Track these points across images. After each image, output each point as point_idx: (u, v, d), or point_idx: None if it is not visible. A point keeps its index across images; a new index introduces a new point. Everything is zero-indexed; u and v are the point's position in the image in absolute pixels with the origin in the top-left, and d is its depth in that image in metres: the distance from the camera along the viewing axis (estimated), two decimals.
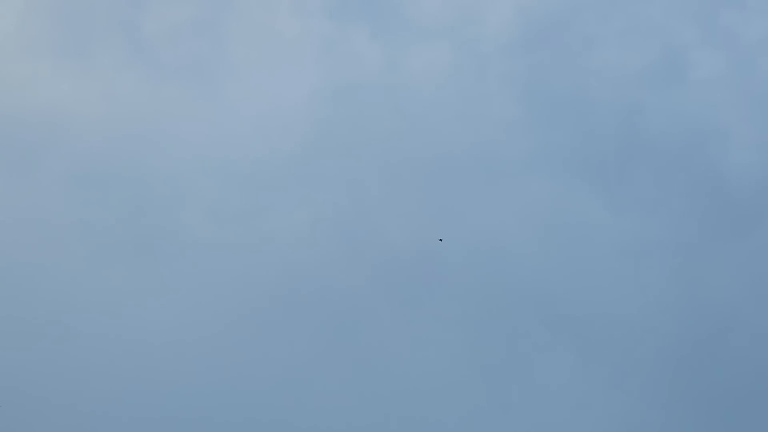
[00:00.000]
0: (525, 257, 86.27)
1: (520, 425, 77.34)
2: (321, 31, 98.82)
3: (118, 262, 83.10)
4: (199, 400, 76.21)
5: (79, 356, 76.97)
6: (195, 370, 77.86)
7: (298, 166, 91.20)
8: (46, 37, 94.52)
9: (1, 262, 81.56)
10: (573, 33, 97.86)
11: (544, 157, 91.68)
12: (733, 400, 78.34)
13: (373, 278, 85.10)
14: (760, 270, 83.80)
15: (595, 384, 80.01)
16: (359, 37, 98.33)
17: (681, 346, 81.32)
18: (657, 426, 77.84)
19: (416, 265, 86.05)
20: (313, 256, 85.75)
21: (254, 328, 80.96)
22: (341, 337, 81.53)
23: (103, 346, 77.82)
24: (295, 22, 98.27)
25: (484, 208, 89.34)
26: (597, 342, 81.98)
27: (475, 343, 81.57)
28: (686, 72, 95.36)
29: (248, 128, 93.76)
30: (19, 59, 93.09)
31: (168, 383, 76.80)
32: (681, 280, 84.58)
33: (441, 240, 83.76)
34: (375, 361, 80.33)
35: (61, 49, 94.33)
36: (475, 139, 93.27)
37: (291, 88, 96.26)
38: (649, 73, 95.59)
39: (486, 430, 77.07)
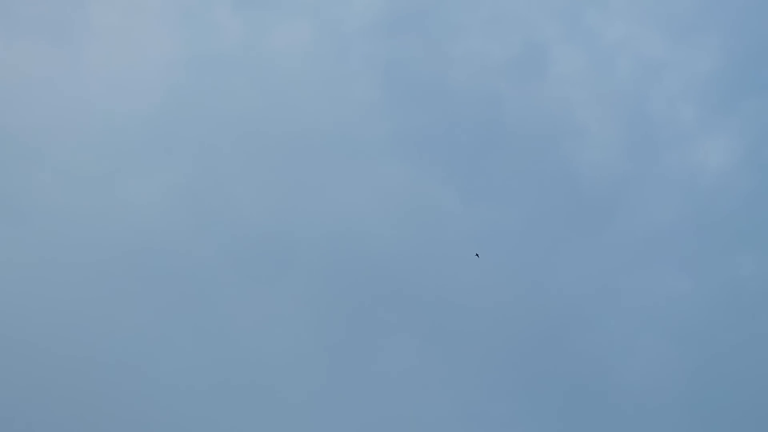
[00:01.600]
0: (377, 239, 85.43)
1: (360, 407, 76.47)
2: (183, 0, 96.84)
3: None
4: (37, 371, 73.59)
5: None
6: (39, 338, 75.16)
7: (153, 133, 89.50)
8: None
9: None
10: (437, 19, 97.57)
11: (401, 141, 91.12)
12: (573, 393, 78.83)
13: (223, 250, 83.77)
14: (608, 267, 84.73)
15: (438, 370, 79.62)
16: (221, 9, 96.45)
17: (526, 338, 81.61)
18: (498, 416, 77.80)
19: (268, 240, 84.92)
20: (165, 225, 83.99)
21: (101, 294, 78.79)
22: (189, 307, 79.87)
23: None
24: None
25: (339, 187, 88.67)
26: (443, 329, 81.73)
27: (322, 323, 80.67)
28: (546, 67, 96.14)
29: (105, 92, 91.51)
30: None
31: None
32: (529, 274, 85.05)
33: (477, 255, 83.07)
34: (221, 333, 78.96)
35: None
36: (334, 119, 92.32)
37: (150, 55, 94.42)
38: (510, 65, 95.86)
39: (328, 410, 76.04)
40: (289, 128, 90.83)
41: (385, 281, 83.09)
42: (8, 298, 76.63)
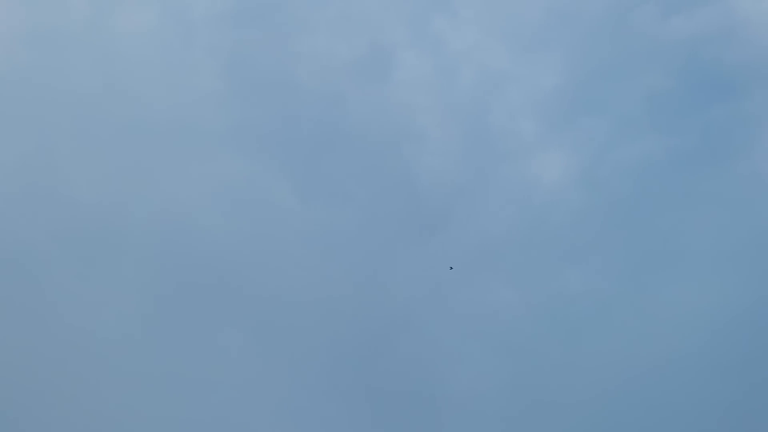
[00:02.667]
0: (209, 230, 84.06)
1: (181, 397, 75.24)
2: None
3: None
4: None
5: None
6: None
7: None
8: None
9: None
10: (285, 14, 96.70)
11: (240, 133, 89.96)
12: (397, 396, 78.72)
13: (52, 230, 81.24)
14: (439, 273, 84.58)
15: (260, 366, 78.73)
16: None
17: (354, 338, 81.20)
18: (317, 415, 77.13)
19: (100, 224, 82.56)
20: None
21: None
22: (16, 287, 77.58)
23: None
24: None
25: (175, 176, 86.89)
26: (270, 324, 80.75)
27: (149, 311, 79.03)
28: (391, 70, 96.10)
29: None
30: None
31: None
32: (361, 274, 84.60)
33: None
34: (48, 314, 76.75)
35: None
36: (174, 106, 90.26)
37: None
38: (355, 66, 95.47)
39: (149, 397, 74.74)
40: (128, 113, 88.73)
41: (215, 273, 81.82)
42: None
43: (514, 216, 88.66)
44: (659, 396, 77.84)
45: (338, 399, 78.30)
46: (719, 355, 78.14)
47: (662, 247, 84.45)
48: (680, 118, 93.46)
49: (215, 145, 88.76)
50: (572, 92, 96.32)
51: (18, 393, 72.95)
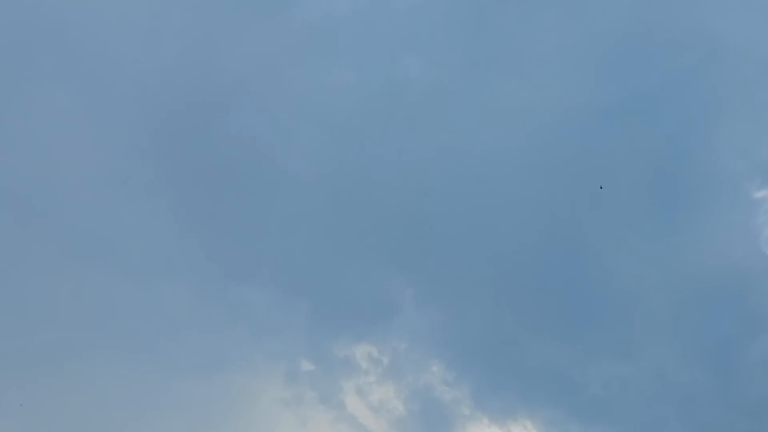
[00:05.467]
0: None
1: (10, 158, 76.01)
2: None
3: None
4: None
5: None
6: None
7: None
8: None
9: None
10: None
11: None
12: (228, 172, 79.79)
13: None
14: (277, 50, 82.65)
15: (95, 130, 78.32)
16: None
17: (188, 109, 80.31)
18: (147, 183, 77.96)
19: None
20: None
21: None
22: None
23: None
24: None
25: None
26: (106, 86, 79.30)
27: None
28: None
29: None
30: None
31: None
32: (199, 47, 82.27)
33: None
34: None
35: None
36: None
37: None
38: None
39: None
40: None
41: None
42: None
43: None
44: (481, 190, 79.71)
45: (161, 165, 78.59)
46: (543, 153, 79.90)
47: (503, 44, 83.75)
48: None
49: None
50: None
51: None
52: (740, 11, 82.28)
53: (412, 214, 79.70)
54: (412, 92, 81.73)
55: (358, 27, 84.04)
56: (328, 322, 77.75)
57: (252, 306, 77.11)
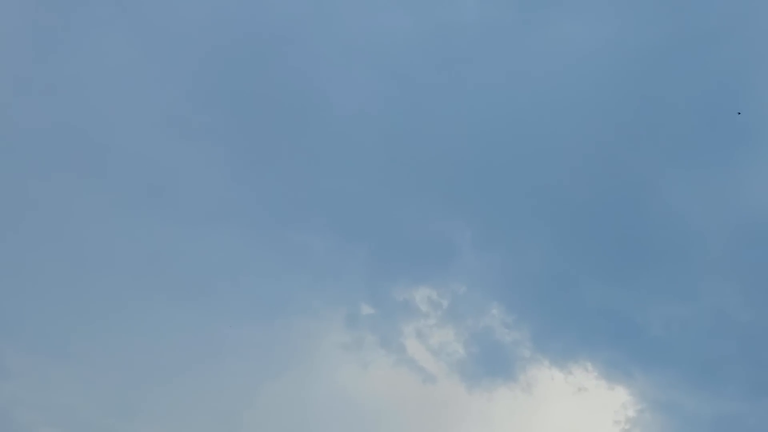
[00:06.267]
0: None
1: (65, 101, 74.01)
2: None
3: None
4: None
5: None
6: None
7: None
8: None
9: None
10: None
11: None
12: (280, 113, 78.82)
13: None
14: None
15: (150, 73, 77.45)
16: None
17: (238, 49, 79.16)
18: (203, 126, 77.25)
19: None
20: None
21: None
22: None
23: None
24: None
25: None
26: (162, 33, 78.04)
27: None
28: None
29: None
30: None
31: None
32: None
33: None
34: None
35: None
36: None
37: None
38: None
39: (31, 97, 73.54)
40: None
41: None
42: None
43: None
44: (539, 130, 78.79)
45: (217, 109, 77.70)
46: (602, 91, 78.96)
47: None
48: None
49: None
50: None
51: None
52: None
53: (469, 156, 79.27)
54: (467, 33, 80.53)
55: None
56: (386, 266, 77.36)
57: (310, 250, 76.61)
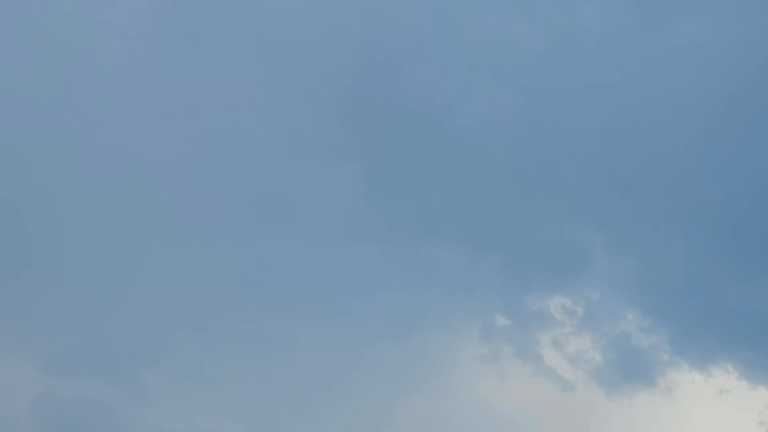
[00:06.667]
0: None
1: (197, 126, 75.16)
2: None
3: None
4: None
5: None
6: None
7: None
8: None
9: None
10: None
11: None
12: (408, 126, 78.55)
13: None
14: (449, 2, 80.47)
15: (281, 94, 77.53)
16: None
17: (362, 66, 78.63)
18: (334, 145, 77.26)
19: None
20: None
21: None
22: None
23: None
24: None
25: None
26: (290, 52, 78.16)
27: (158, 37, 76.22)
28: None
29: None
30: None
31: None
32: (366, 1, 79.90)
33: None
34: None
35: None
36: None
37: None
38: None
39: (157, 124, 74.47)
40: None
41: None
42: None
43: None
44: (666, 132, 77.27)
45: (345, 127, 77.44)
46: (727, 93, 77.11)
47: None
48: None
49: None
50: None
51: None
52: None
53: (596, 161, 78.35)
54: (589, 39, 79.52)
55: None
56: (520, 276, 77.06)
57: (443, 264, 76.61)
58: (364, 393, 74.01)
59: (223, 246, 74.75)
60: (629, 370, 75.55)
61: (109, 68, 74.35)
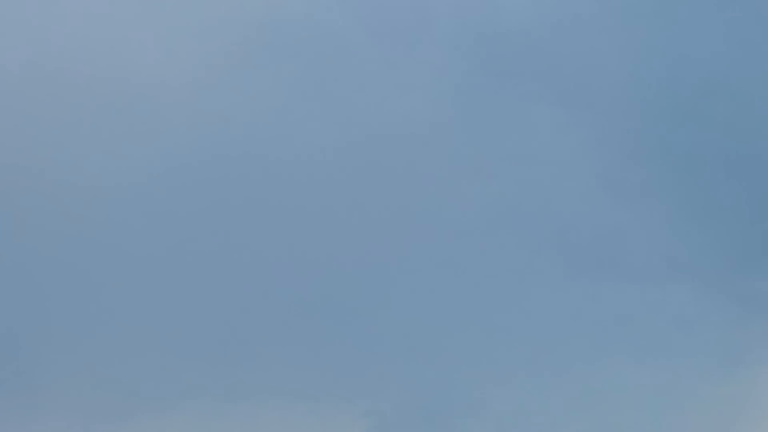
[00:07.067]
0: (514, 5, 79.76)
1: (496, 178, 74.75)
2: None
3: None
4: None
5: None
6: None
7: None
8: None
9: None
10: None
11: None
12: (716, 161, 77.24)
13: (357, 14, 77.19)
14: (750, 28, 79.60)
15: (579, 139, 77.64)
16: None
17: (664, 102, 78.50)
18: (639, 184, 76.53)
19: (403, 6, 78.33)
20: None
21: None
22: (323, 78, 74.96)
23: None
24: None
25: None
26: (584, 95, 78.60)
27: (461, 91, 77.15)
28: None
29: None
30: None
31: None
32: (668, 35, 79.95)
33: None
34: (356, 103, 74.95)
35: None
36: None
37: None
38: None
39: (466, 176, 74.08)
40: None
41: (525, 48, 79.36)
42: None
43: None
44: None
45: (654, 166, 76.57)
46: None
47: None
48: None
49: None
50: None
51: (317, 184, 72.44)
52: None
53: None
54: None
55: None
56: None
57: (764, 295, 74.40)
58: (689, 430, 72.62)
59: (538, 293, 75.32)
60: None
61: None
